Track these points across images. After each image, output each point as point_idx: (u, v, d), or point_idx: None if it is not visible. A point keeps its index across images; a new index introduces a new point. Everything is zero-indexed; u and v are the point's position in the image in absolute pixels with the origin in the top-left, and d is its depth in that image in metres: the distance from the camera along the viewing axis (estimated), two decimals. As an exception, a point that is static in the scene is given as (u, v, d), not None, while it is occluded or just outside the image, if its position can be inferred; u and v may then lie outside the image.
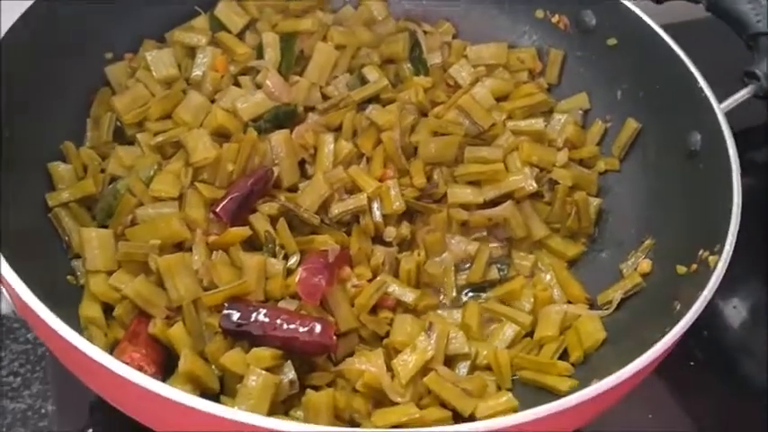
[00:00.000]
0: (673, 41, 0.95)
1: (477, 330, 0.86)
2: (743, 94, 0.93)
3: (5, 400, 0.90)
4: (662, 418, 0.93)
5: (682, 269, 0.84)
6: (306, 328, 0.76)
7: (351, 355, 0.82)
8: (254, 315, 0.77)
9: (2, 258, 0.67)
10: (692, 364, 0.96)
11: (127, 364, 0.64)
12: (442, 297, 0.91)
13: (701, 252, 0.81)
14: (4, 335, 0.95)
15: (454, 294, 0.91)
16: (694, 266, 0.82)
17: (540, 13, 1.07)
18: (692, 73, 0.92)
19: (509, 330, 0.86)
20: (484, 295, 0.92)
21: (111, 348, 0.76)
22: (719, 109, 0.88)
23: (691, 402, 0.95)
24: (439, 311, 0.88)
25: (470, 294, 0.92)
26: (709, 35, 1.07)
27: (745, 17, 0.99)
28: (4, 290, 0.70)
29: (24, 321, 0.95)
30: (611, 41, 1.02)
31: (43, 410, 0.89)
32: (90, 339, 0.70)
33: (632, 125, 0.99)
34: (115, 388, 0.65)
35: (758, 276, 1.01)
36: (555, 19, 1.06)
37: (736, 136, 0.87)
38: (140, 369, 0.67)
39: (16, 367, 0.93)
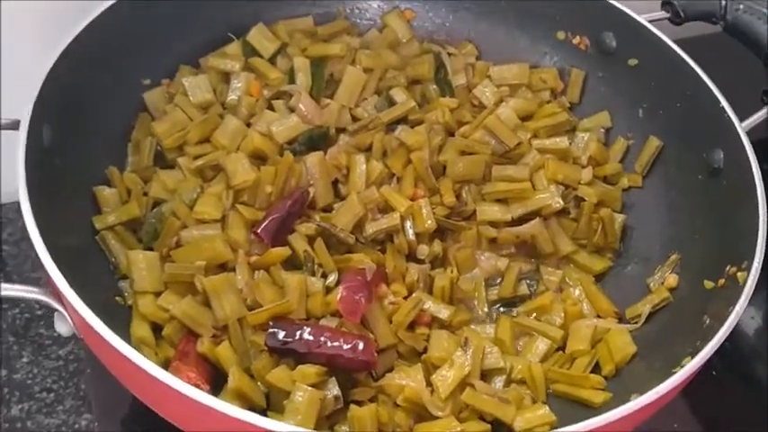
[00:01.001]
0: (693, 62, 0.98)
1: (510, 345, 0.89)
2: (763, 113, 0.96)
3: (40, 415, 0.92)
4: (677, 424, 0.95)
5: (709, 284, 0.86)
6: (349, 346, 0.79)
7: (390, 370, 0.84)
8: (298, 333, 0.79)
9: (64, 281, 0.70)
10: (713, 373, 0.98)
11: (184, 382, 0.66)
12: (474, 312, 0.93)
13: (728, 267, 0.83)
14: (37, 351, 0.98)
15: (486, 310, 0.93)
16: (722, 281, 0.84)
17: (560, 35, 1.10)
18: (713, 93, 0.95)
19: (541, 345, 0.88)
20: (515, 310, 0.94)
21: (163, 367, 0.77)
22: (741, 128, 0.91)
23: (705, 408, 0.97)
24: (472, 326, 0.91)
25: (502, 309, 0.95)
26: (727, 47, 1.08)
27: (762, 38, 1.02)
28: (63, 311, 0.73)
29: (56, 338, 0.98)
30: (632, 62, 1.04)
31: (77, 425, 0.92)
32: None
33: (654, 143, 1.01)
34: (175, 405, 0.67)
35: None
36: (576, 40, 1.09)
37: (754, 145, 0.89)
38: (197, 387, 0.70)
39: (49, 383, 0.95)
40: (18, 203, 1.07)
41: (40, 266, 1.02)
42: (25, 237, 1.07)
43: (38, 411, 0.93)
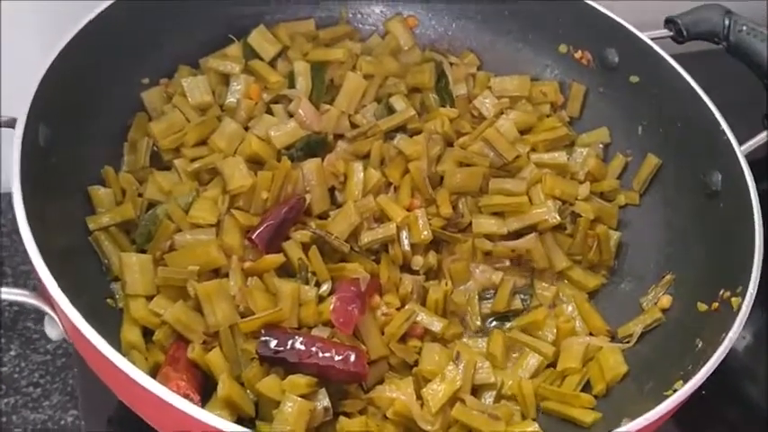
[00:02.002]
0: (694, 82, 0.98)
1: (502, 360, 0.88)
2: (762, 137, 0.96)
3: (26, 410, 0.92)
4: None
5: (703, 307, 0.86)
6: (341, 357, 0.78)
7: (381, 382, 0.84)
8: (290, 342, 0.79)
9: (55, 285, 0.69)
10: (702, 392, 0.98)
11: (174, 391, 0.66)
12: (467, 325, 0.93)
13: (722, 292, 0.84)
14: (25, 345, 0.97)
15: (479, 323, 0.93)
16: (715, 305, 0.84)
17: (563, 48, 1.09)
18: (713, 114, 0.95)
19: (532, 360, 0.88)
20: (507, 324, 0.94)
21: (152, 372, 0.78)
22: (740, 151, 0.91)
23: (694, 427, 0.97)
24: (464, 340, 0.90)
25: (494, 323, 0.94)
26: (730, 65, 1.08)
27: (763, 59, 1.02)
28: (53, 315, 0.72)
29: (44, 332, 0.97)
30: (634, 79, 1.04)
31: (63, 421, 0.91)
32: (133, 363, 0.71)
33: (652, 161, 1.01)
34: (163, 415, 0.67)
35: (762, 303, 1.04)
36: (578, 54, 1.09)
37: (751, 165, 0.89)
38: (186, 397, 0.70)
39: (36, 378, 0.95)
40: (11, 195, 1.09)
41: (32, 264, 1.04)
42: (17, 229, 1.07)
43: (24, 406, 0.92)
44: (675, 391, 0.75)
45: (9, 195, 1.08)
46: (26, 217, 0.73)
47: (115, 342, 0.80)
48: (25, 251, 1.03)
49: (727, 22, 1.05)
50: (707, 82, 0.98)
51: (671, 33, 1.07)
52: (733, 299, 0.81)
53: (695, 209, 0.95)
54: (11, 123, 0.81)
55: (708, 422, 0.98)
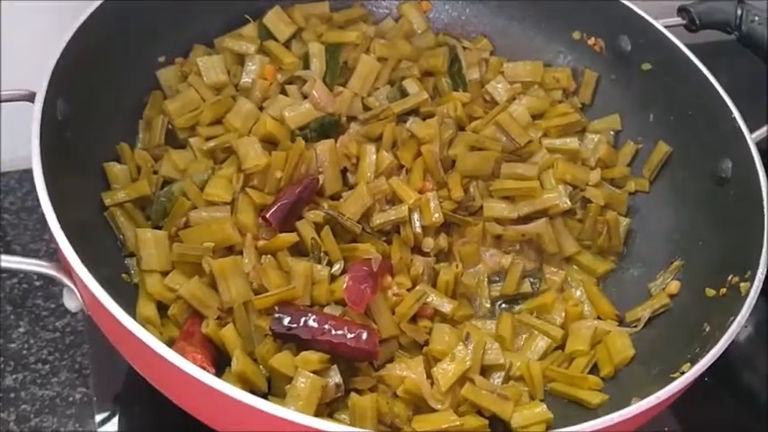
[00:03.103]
0: (707, 70, 0.98)
1: (510, 342, 0.90)
2: (773, 126, 0.96)
3: (34, 387, 0.93)
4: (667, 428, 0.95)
5: (711, 292, 0.87)
6: (353, 335, 0.79)
7: (391, 360, 0.85)
8: (303, 319, 0.80)
9: (76, 257, 0.70)
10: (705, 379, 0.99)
11: (190, 363, 0.67)
12: (476, 307, 0.94)
13: (730, 277, 0.84)
14: (34, 322, 0.98)
15: (488, 305, 0.94)
16: (723, 290, 0.85)
17: (576, 35, 1.10)
18: (725, 102, 0.95)
19: (541, 343, 0.89)
20: (516, 307, 0.95)
21: (168, 346, 0.78)
22: (751, 139, 0.92)
23: (694, 415, 0.97)
24: (474, 321, 0.91)
25: (503, 306, 0.95)
26: (742, 53, 1.08)
27: (775, 51, 1.02)
28: (72, 286, 0.73)
29: (54, 309, 0.98)
30: (646, 66, 1.04)
31: (71, 398, 0.92)
32: (148, 336, 0.72)
33: (663, 148, 1.02)
34: (180, 386, 0.68)
35: (764, 293, 1.05)
36: (591, 41, 1.09)
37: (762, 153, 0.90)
38: (203, 369, 0.70)
39: (45, 355, 0.95)
40: (20, 172, 1.10)
41: (42, 238, 1.05)
42: (25, 207, 1.09)
43: (32, 382, 0.93)
44: (682, 373, 0.75)
45: (17, 173, 1.11)
46: (47, 193, 0.74)
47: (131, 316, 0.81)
48: (34, 229, 1.06)
49: (739, 12, 1.05)
50: (718, 71, 0.98)
51: (684, 22, 1.07)
52: (741, 284, 0.82)
53: (705, 196, 0.96)
54: (30, 97, 0.81)
55: (707, 411, 0.99)
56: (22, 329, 0.97)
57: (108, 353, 0.81)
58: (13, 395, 0.91)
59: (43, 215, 0.73)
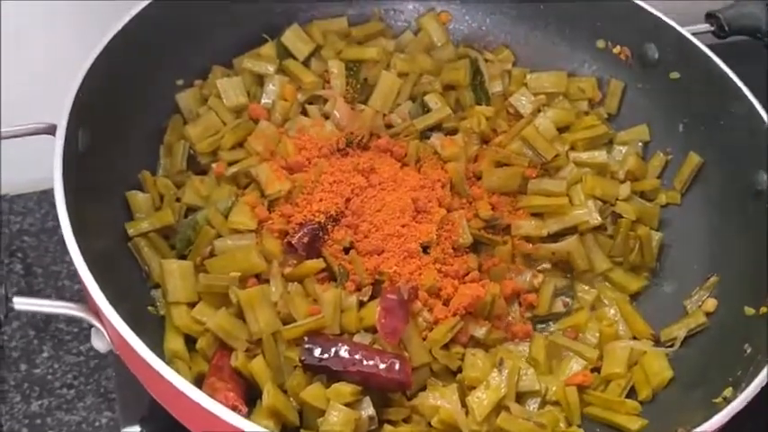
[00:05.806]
0: (738, 78, 0.96)
1: (545, 364, 0.87)
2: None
3: (60, 412, 0.92)
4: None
5: (750, 310, 0.85)
6: (385, 365, 0.78)
7: (423, 388, 0.83)
8: (334, 350, 0.78)
9: (102, 296, 0.68)
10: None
11: (222, 403, 0.66)
12: (508, 329, 0.91)
13: (770, 295, 0.82)
14: (58, 346, 0.97)
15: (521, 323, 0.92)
16: (764, 309, 0.83)
17: (601, 44, 1.07)
18: (757, 111, 0.93)
19: (575, 365, 0.87)
20: (549, 328, 0.93)
21: (197, 381, 0.77)
22: (787, 151, 0.89)
23: None
24: (507, 344, 0.89)
25: (537, 326, 0.93)
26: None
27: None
28: (100, 327, 0.72)
29: (77, 333, 0.97)
30: (674, 75, 1.02)
31: (97, 423, 0.91)
32: (177, 373, 0.71)
33: (694, 159, 0.99)
34: (212, 427, 0.67)
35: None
36: (616, 50, 1.06)
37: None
38: (234, 409, 0.69)
39: (70, 379, 0.95)
40: (38, 194, 1.09)
41: (63, 260, 1.04)
42: (45, 228, 1.08)
43: (58, 408, 0.92)
44: (725, 398, 0.73)
45: (35, 195, 1.10)
46: (71, 227, 0.72)
47: (158, 351, 0.80)
48: (55, 251, 1.04)
49: (769, 19, 1.03)
50: (748, 77, 0.96)
51: (712, 28, 1.05)
52: (782, 302, 0.80)
53: (740, 208, 0.93)
54: (50, 130, 0.80)
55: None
56: (45, 354, 0.96)
57: (133, 376, 0.79)
58: (39, 421, 0.91)
59: (62, 236, 0.72)
